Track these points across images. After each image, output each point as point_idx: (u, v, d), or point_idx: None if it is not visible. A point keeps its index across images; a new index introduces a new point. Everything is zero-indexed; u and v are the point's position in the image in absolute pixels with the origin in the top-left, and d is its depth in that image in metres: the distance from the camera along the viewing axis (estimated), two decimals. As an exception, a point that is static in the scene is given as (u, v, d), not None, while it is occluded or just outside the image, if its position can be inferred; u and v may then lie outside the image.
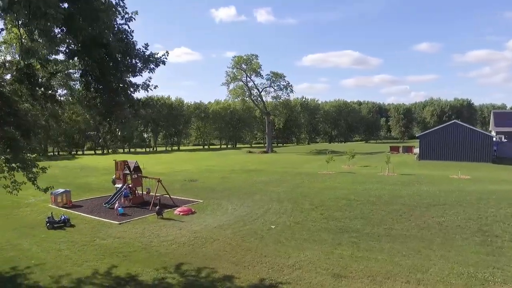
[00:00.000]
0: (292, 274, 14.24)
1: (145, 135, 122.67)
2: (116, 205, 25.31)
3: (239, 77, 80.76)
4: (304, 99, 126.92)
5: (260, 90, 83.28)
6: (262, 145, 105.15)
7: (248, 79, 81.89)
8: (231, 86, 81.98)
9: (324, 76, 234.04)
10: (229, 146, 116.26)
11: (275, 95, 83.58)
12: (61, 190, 28.36)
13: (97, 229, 21.20)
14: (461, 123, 52.49)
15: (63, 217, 22.36)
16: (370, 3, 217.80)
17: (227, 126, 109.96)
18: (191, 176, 41.34)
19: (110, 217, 23.90)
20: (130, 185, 28.24)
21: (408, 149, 61.21)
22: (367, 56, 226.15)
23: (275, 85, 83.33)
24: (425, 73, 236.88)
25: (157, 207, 23.99)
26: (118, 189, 28.13)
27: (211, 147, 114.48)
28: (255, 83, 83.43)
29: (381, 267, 14.73)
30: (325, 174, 40.29)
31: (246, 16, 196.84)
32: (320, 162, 54.17)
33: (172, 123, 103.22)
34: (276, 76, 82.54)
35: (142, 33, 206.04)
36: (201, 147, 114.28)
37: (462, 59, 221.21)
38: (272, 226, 20.90)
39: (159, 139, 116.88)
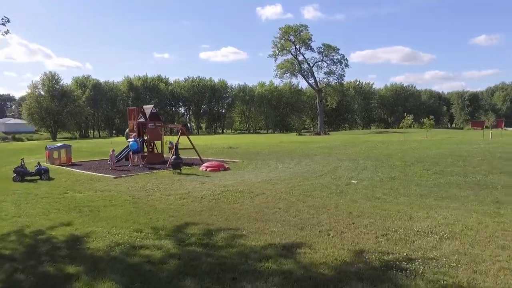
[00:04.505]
0: (442, 250, 5.86)
1: (188, 124, 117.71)
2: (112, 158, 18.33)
3: (287, 48, 71.93)
4: (358, 82, 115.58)
5: (311, 64, 74.12)
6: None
7: (298, 52, 73.01)
8: (279, 60, 73.33)
9: (373, 72, 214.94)
10: (275, 132, 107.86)
11: (327, 70, 73.98)
12: (59, 144, 21.64)
13: (80, 183, 13.89)
14: None
15: (38, 167, 15.36)
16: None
17: (274, 110, 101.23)
18: (232, 145, 33.55)
19: (108, 172, 16.66)
20: (145, 138, 20.96)
21: (498, 123, 49.78)
22: (419, 51, 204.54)
23: (328, 59, 73.78)
24: (483, 68, 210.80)
25: (172, 156, 16.36)
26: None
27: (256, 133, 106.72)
28: (305, 57, 74.38)
29: None
30: (403, 141, 31.05)
31: (292, 14, 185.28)
32: (389, 135, 44.83)
33: (215, 105, 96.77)
34: (328, 49, 72.97)
35: (190, 35, 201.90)
36: (246, 131, 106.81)
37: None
38: (353, 181, 12.54)
39: (202, 126, 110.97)
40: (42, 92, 71.71)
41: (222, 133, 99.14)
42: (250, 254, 5.77)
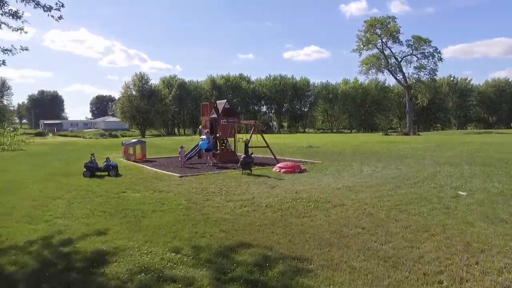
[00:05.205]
0: None
1: (270, 123, 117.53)
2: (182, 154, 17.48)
3: (373, 42, 67.09)
4: (452, 78, 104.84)
5: (399, 59, 68.26)
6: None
7: (384, 46, 67.73)
8: (363, 55, 68.74)
9: (468, 68, 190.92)
10: (360, 132, 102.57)
11: (418, 65, 67.42)
12: (134, 140, 21.55)
13: (143, 181, 13.01)
14: None
15: (107, 163, 14.92)
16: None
17: (358, 109, 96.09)
18: (312, 145, 31.37)
19: (176, 170, 15.72)
20: (218, 135, 19.84)
21: None
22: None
23: (418, 52, 67.26)
24: None
25: (242, 155, 14.85)
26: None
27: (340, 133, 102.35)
28: (393, 51, 68.70)
29: None
30: (515, 143, 26.18)
31: (378, 9, 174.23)
32: (493, 136, 39.08)
33: (297, 103, 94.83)
34: (419, 41, 66.50)
35: (274, 35, 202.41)
36: (329, 131, 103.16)
37: None
38: (461, 193, 9.77)
39: (284, 125, 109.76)
40: (133, 92, 76.41)
41: (304, 132, 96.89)
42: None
